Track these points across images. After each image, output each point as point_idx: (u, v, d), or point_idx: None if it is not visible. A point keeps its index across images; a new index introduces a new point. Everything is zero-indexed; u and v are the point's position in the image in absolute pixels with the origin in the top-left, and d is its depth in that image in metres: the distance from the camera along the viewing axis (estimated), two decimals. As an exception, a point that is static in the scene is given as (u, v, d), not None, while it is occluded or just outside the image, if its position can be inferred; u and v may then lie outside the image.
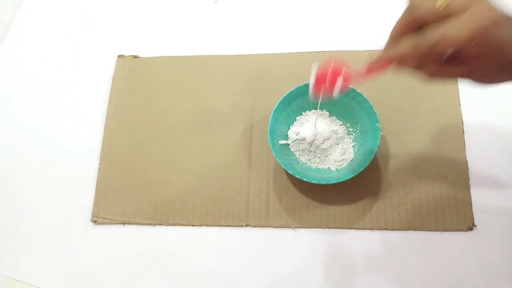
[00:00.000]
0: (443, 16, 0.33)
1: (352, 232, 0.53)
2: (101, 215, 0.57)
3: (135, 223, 0.56)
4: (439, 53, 0.35)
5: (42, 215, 0.59)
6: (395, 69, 0.37)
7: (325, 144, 0.54)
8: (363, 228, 0.53)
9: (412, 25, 0.35)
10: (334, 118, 0.57)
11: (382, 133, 0.51)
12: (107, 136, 0.62)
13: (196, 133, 0.60)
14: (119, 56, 0.67)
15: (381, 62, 0.38)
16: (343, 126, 0.57)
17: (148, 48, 0.67)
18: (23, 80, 0.68)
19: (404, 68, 0.37)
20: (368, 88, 0.55)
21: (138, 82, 0.65)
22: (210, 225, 0.55)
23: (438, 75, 0.37)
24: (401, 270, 0.51)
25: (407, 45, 0.35)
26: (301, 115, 0.57)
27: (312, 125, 0.54)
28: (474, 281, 0.50)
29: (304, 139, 0.54)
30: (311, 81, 0.43)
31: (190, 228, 0.56)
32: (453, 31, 0.32)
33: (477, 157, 0.54)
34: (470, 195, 0.53)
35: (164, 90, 0.64)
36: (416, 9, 0.35)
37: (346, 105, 0.55)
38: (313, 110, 0.57)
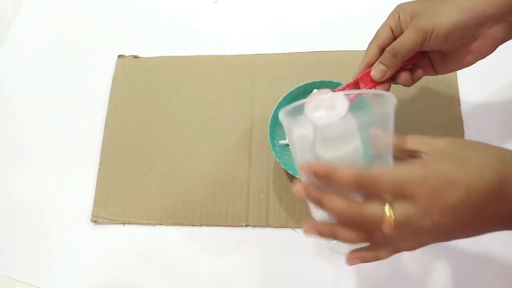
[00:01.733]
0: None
1: (352, 232, 0.53)
2: (101, 215, 0.57)
3: (135, 223, 0.56)
4: None
5: (42, 215, 0.58)
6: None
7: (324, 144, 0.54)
8: (363, 228, 0.53)
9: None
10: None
11: (382, 133, 0.51)
12: (107, 136, 0.61)
13: (196, 133, 0.60)
14: (119, 56, 0.67)
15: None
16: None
17: (148, 48, 0.67)
18: (23, 80, 0.68)
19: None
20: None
21: (138, 82, 0.65)
22: (210, 225, 0.55)
23: None
24: (401, 270, 0.51)
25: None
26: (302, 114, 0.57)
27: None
28: (474, 281, 0.50)
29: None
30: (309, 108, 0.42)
31: (190, 228, 0.56)
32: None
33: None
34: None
35: (164, 90, 0.64)
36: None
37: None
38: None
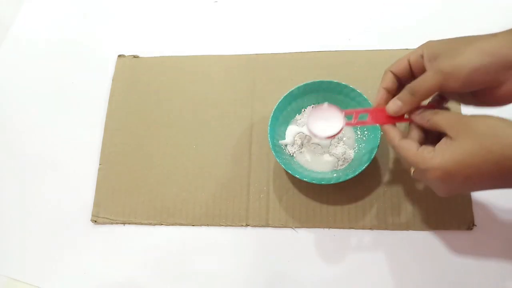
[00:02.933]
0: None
1: (352, 232, 0.53)
2: (101, 215, 0.57)
3: (135, 223, 0.56)
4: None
5: (42, 215, 0.59)
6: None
7: (324, 143, 0.55)
8: (363, 228, 0.53)
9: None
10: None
11: (382, 133, 0.51)
12: (107, 136, 0.62)
13: (196, 133, 0.60)
14: (119, 56, 0.67)
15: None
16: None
17: (148, 48, 0.67)
18: (23, 80, 0.68)
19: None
20: (368, 88, 0.55)
21: (138, 82, 0.65)
22: (210, 225, 0.55)
23: None
24: (401, 270, 0.51)
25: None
26: (300, 113, 0.57)
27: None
28: (474, 281, 0.50)
29: (287, 144, 0.55)
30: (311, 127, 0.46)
31: (190, 228, 0.56)
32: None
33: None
34: (470, 195, 0.53)
35: (164, 90, 0.64)
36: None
37: (347, 105, 0.55)
38: (309, 108, 0.57)
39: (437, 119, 0.39)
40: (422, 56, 0.41)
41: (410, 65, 0.42)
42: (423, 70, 0.40)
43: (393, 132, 0.41)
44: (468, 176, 0.35)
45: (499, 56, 0.36)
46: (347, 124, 0.45)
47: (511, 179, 0.35)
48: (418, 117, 0.41)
